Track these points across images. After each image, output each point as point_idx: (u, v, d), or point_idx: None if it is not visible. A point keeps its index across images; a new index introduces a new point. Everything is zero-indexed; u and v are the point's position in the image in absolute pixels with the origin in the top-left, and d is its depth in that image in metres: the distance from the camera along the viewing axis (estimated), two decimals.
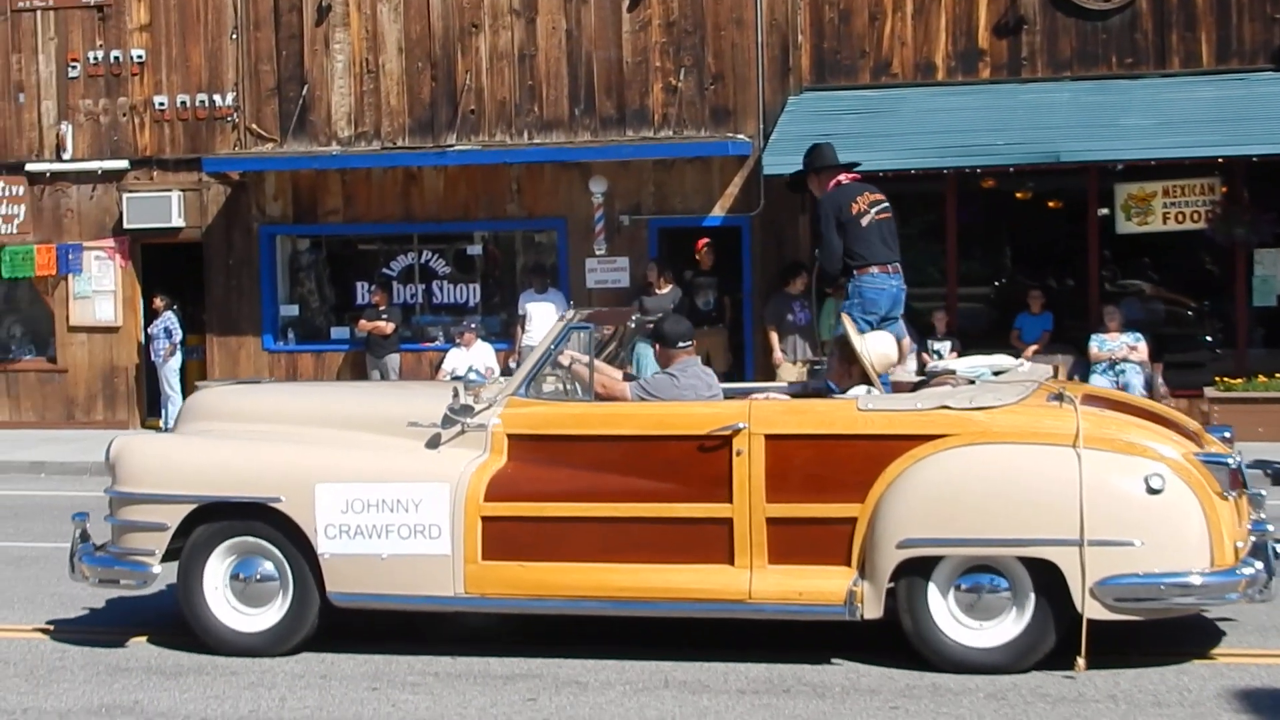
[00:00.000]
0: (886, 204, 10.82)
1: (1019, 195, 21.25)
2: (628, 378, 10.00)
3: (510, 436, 9.30)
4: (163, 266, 23.31)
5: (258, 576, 9.52)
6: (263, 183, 22.44)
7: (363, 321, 21.60)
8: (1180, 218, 19.82)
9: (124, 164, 22.94)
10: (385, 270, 22.38)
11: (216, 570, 9.55)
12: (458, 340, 20.95)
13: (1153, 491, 8.41)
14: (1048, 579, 8.52)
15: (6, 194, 23.39)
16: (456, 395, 9.24)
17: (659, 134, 21.07)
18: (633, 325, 10.84)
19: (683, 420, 9.13)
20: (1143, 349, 19.30)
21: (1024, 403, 8.88)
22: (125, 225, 22.86)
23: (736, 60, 21.04)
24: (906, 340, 18.29)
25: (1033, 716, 7.96)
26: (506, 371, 20.23)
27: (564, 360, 9.76)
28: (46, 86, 23.21)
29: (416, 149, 21.76)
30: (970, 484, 8.60)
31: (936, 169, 19.50)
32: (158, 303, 22.60)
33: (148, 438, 10.45)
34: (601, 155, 21.23)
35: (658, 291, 20.42)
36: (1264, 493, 9.56)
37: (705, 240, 20.91)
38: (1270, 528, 8.99)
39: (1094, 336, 19.40)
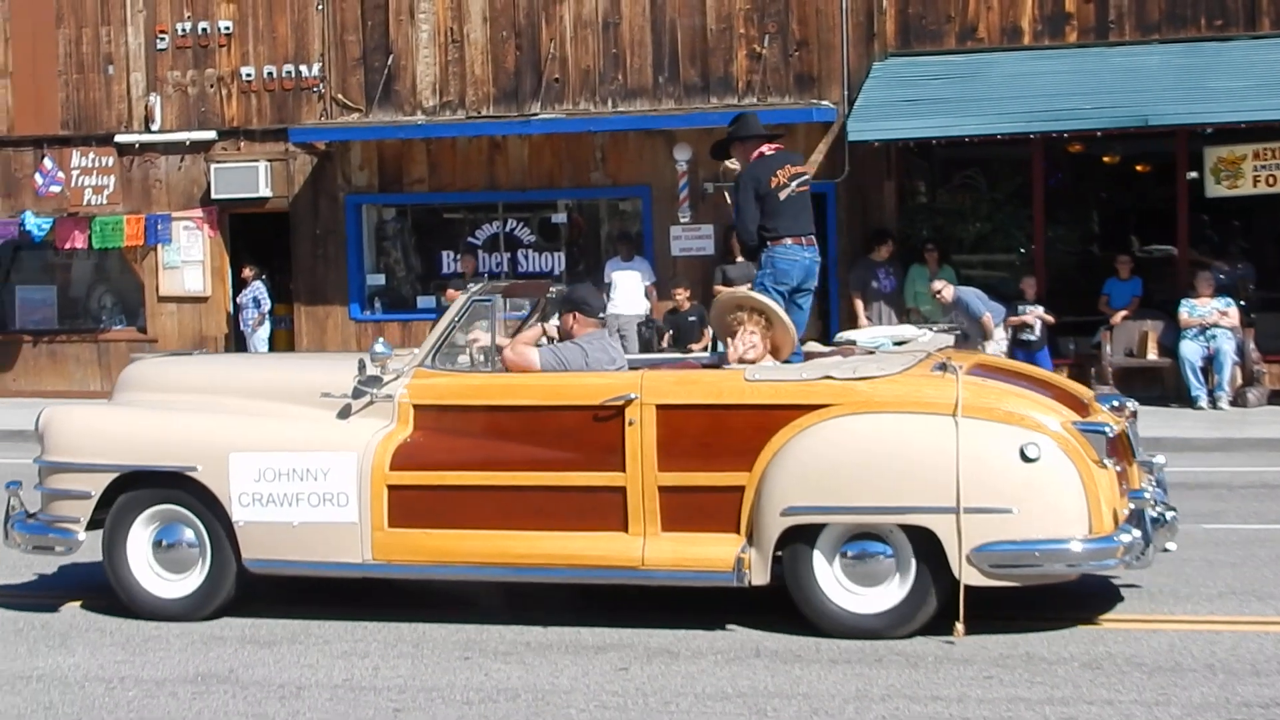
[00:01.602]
0: (807, 176, 11.22)
1: (1107, 159, 21.56)
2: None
3: (415, 407, 9.80)
4: (250, 236, 24.17)
5: (179, 543, 10.05)
6: (349, 152, 23.06)
7: (450, 291, 21.89)
8: (1271, 180, 19.93)
9: (211, 135, 23.79)
10: (470, 239, 22.79)
11: (140, 537, 10.10)
12: None
13: (1028, 460, 8.76)
14: (927, 546, 8.93)
15: (96, 165, 24.11)
16: (363, 367, 9.74)
17: (743, 101, 21.38)
18: (551, 296, 11.19)
19: (577, 391, 9.61)
20: (1234, 314, 19.46)
21: (907, 373, 9.32)
22: (213, 195, 23.76)
23: (821, 26, 21.29)
24: (988, 315, 18.30)
25: (1128, 685, 8.16)
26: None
27: (475, 336, 10.36)
28: (135, 58, 23.90)
29: (501, 118, 22.30)
30: (850, 453, 9.02)
31: (1023, 134, 19.63)
32: (246, 272, 23.30)
33: (74, 408, 10.97)
34: (686, 123, 21.52)
35: (739, 259, 20.30)
36: (1155, 460, 10.11)
37: None
38: (1148, 495, 9.33)
39: (1184, 302, 19.62)
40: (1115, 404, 9.99)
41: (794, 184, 10.95)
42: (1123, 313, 20.40)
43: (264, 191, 23.65)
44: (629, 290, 21.19)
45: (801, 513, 9.01)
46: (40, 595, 10.98)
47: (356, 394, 9.78)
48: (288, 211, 23.87)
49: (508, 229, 23.26)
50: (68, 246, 24.46)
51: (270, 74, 23.66)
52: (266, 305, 23.51)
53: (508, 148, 22.87)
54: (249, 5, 23.71)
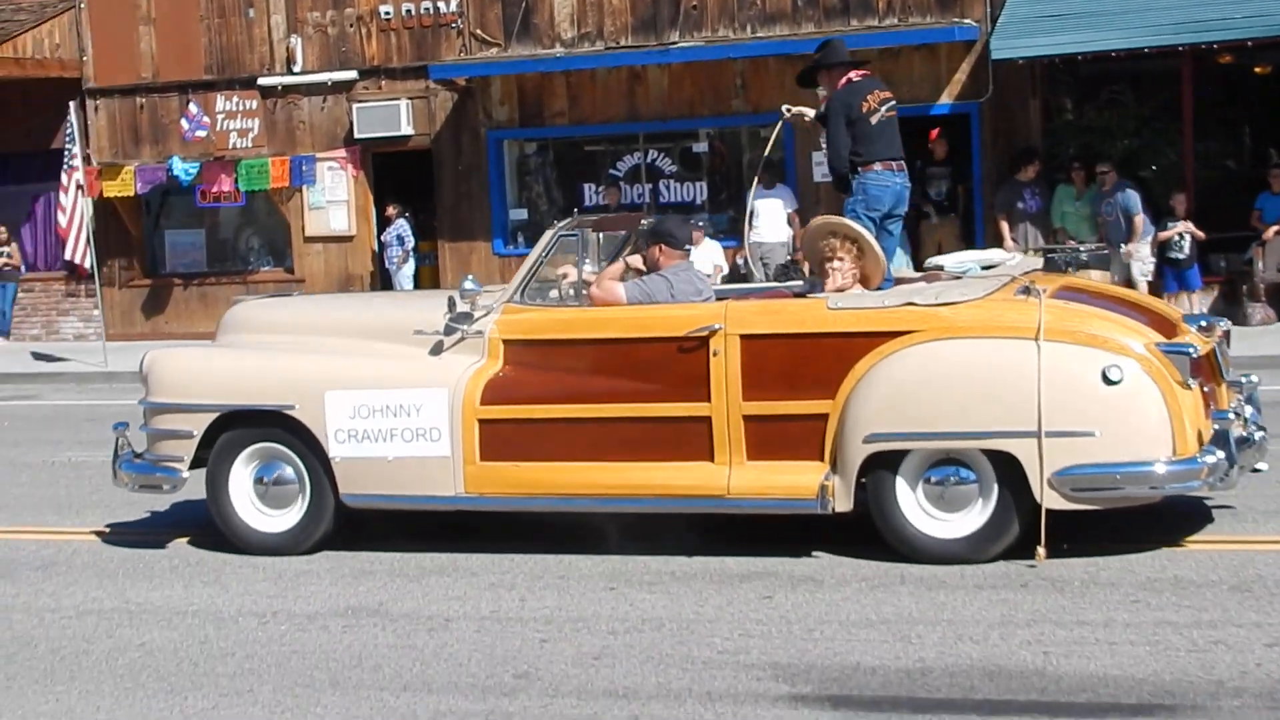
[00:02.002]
0: (894, 102, 11.32)
1: (1258, 70, 20.92)
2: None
3: (505, 342, 9.99)
4: (394, 174, 24.03)
5: (278, 480, 10.36)
6: (489, 88, 23.20)
7: None
8: None
9: (353, 74, 24.04)
10: (612, 171, 22.61)
11: (241, 474, 10.40)
12: None
13: (1110, 382, 8.78)
14: (1009, 470, 8.98)
15: (240, 108, 24.47)
16: (453, 304, 9.92)
17: (884, 22, 21.22)
18: (642, 229, 11.20)
19: (662, 322, 9.72)
20: None
21: (990, 297, 9.34)
22: (356, 135, 24.01)
23: None
24: (1141, 217, 18.05)
25: (1279, 608, 7.75)
26: (735, 270, 20.32)
27: (565, 269, 10.52)
28: (275, 1, 23.63)
29: (640, 48, 22.31)
30: (933, 379, 9.07)
31: (1172, 46, 19.06)
32: (390, 211, 23.53)
33: (177, 351, 11.33)
34: None
35: None
36: (1248, 378, 10.05)
37: (938, 130, 20.61)
38: (1232, 416, 9.21)
39: None
40: (1204, 324, 9.91)
41: (883, 109, 11.01)
42: (1275, 228, 19.94)
43: (406, 130, 23.93)
44: (772, 217, 21.12)
45: (884, 439, 9.07)
46: (149, 533, 11.30)
47: (448, 331, 9.97)
48: (430, 149, 24.12)
49: (649, 160, 23.30)
50: (215, 190, 24.96)
51: (409, 11, 23.85)
52: (410, 243, 23.77)
53: (647, 78, 22.89)
54: None
